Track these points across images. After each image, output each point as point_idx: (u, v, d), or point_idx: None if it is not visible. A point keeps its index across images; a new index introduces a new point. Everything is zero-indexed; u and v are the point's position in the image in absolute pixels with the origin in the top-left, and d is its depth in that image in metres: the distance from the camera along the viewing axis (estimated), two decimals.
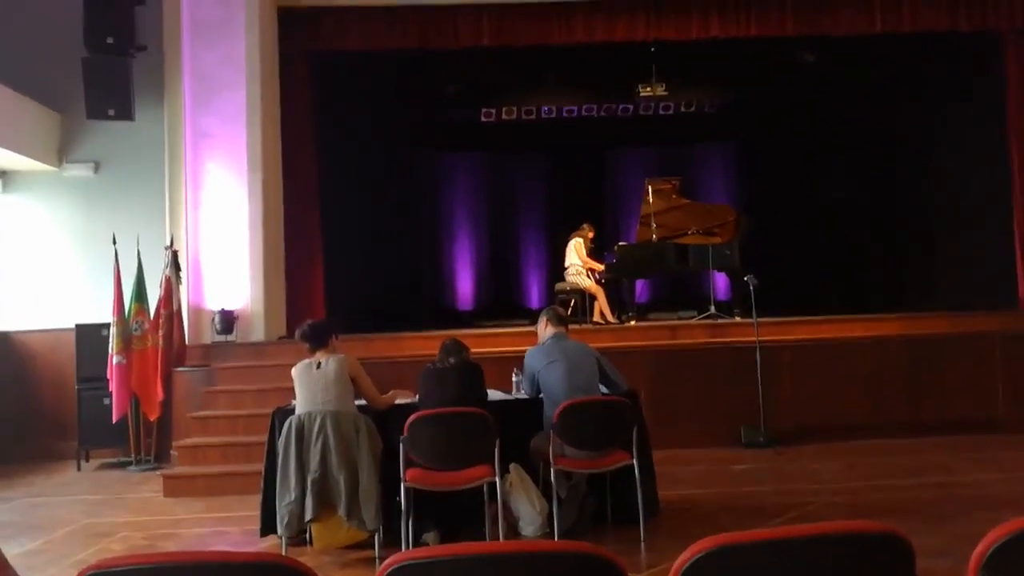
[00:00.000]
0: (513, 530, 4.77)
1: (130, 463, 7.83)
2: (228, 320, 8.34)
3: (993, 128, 9.80)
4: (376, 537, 4.62)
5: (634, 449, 4.73)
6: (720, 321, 8.76)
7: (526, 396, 5.14)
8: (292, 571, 1.67)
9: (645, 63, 11.04)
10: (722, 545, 1.61)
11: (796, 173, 13.37)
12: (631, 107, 12.78)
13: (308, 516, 4.56)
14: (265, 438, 5.11)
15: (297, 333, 5.01)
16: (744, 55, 10.93)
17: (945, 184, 10.76)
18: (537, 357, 5.05)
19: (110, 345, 7.74)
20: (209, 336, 8.42)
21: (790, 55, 11.27)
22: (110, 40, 8.22)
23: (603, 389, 5.07)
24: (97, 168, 9.02)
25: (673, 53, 10.65)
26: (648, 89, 11.37)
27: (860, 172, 12.67)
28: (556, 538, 4.51)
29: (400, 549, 4.21)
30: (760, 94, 12.85)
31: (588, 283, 9.81)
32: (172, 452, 7.46)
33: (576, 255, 9.96)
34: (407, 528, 4.54)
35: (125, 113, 8.34)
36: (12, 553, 4.90)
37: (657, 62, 11.03)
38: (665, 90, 11.44)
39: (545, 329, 5.19)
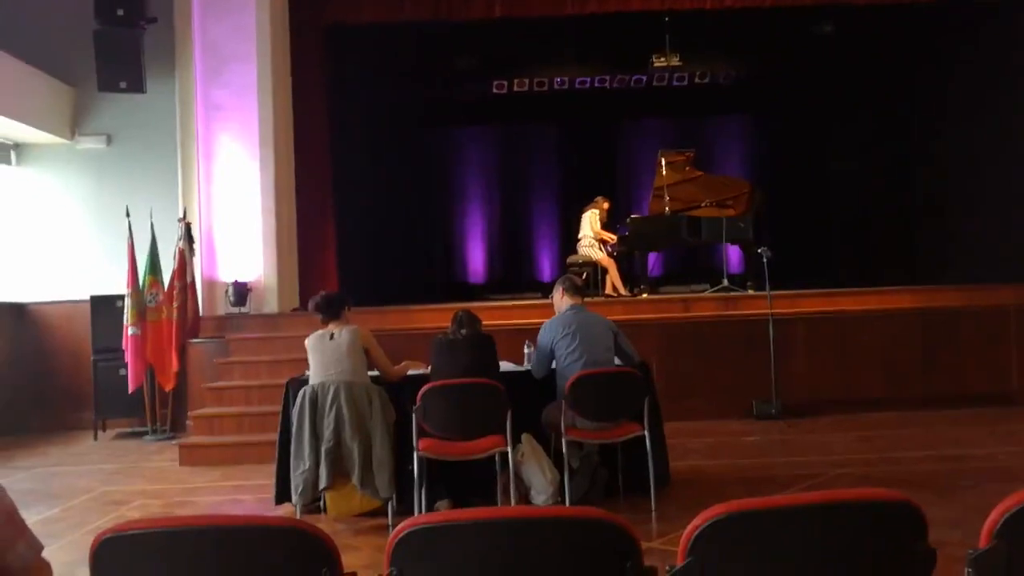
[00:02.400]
0: (525, 500, 4.80)
1: (146, 433, 7.91)
2: (241, 292, 8.39)
3: (1010, 97, 9.66)
4: (389, 505, 4.66)
5: (645, 420, 4.75)
6: (733, 294, 8.73)
7: (537, 376, 5.05)
8: (309, 535, 1.69)
9: (659, 33, 10.92)
10: (732, 512, 1.62)
11: (811, 145, 13.26)
12: (644, 78, 12.64)
13: (322, 484, 4.60)
14: (279, 408, 5.15)
15: (311, 304, 5.03)
16: (759, 25, 10.79)
17: (961, 156, 10.64)
18: (555, 328, 4.97)
19: (125, 316, 7.81)
20: (223, 308, 8.47)
21: (806, 25, 11.11)
22: (120, 12, 8.21)
23: (617, 361, 5.07)
24: (109, 141, 9.03)
25: (687, 23, 10.55)
26: (662, 60, 11.23)
27: (875, 144, 12.55)
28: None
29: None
30: (775, 65, 12.67)
31: (600, 255, 9.79)
32: (188, 422, 7.54)
33: (589, 227, 9.93)
34: (420, 497, 4.59)
35: (136, 85, 8.35)
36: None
37: (671, 32, 10.91)
38: (679, 61, 11.30)
39: (561, 299, 5.16)
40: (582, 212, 10.19)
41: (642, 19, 10.10)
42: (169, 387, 7.88)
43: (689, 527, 1.62)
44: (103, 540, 1.68)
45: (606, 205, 10.18)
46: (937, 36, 10.81)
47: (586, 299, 5.37)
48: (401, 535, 1.66)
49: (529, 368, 5.30)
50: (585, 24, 10.36)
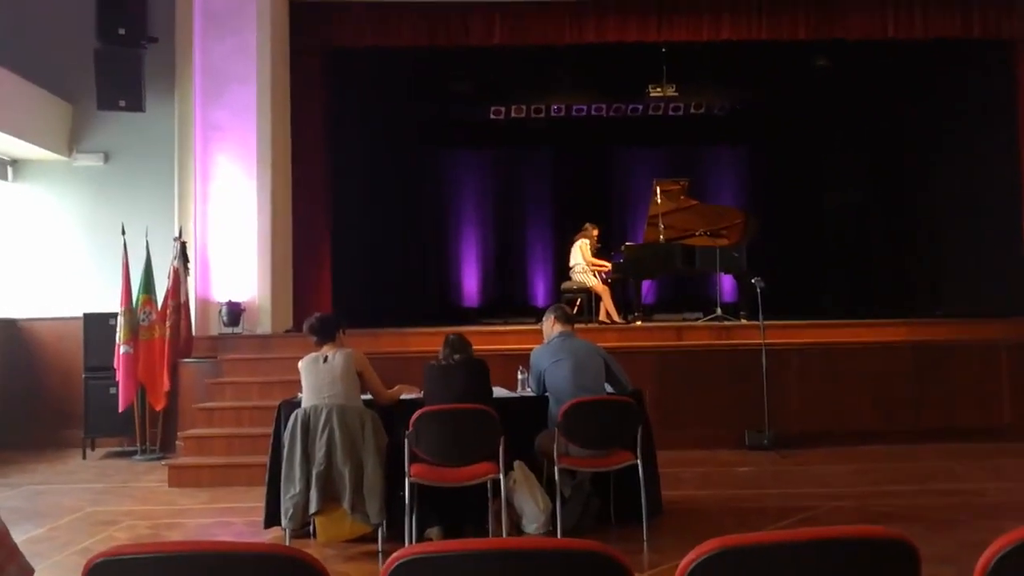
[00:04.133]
0: (516, 527, 4.77)
1: (135, 452, 7.85)
2: (235, 312, 8.38)
3: (1003, 135, 9.78)
4: (379, 531, 4.63)
5: (638, 449, 4.74)
6: (726, 323, 8.75)
7: (533, 394, 5.15)
8: (299, 563, 1.68)
9: (655, 64, 11.03)
10: (729, 547, 1.62)
11: (805, 176, 13.36)
12: (641, 107, 12.77)
13: (312, 509, 4.57)
14: (270, 430, 5.13)
15: (304, 326, 5.03)
16: (755, 58, 10.91)
17: (954, 190, 10.73)
18: (543, 355, 5.06)
19: (117, 335, 7.77)
20: (216, 328, 8.45)
21: (801, 59, 11.25)
22: (122, 31, 8.27)
23: (609, 388, 5.08)
24: (107, 159, 9.04)
25: (684, 54, 10.66)
26: (658, 90, 11.35)
27: (869, 177, 12.66)
28: (559, 536, 4.51)
29: (403, 543, 4.23)
30: (770, 97, 12.83)
31: (594, 282, 9.81)
32: (177, 442, 7.49)
33: (580, 255, 9.95)
34: (411, 523, 4.55)
35: (136, 104, 8.39)
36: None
37: (668, 63, 11.02)
38: (675, 91, 11.42)
39: (552, 327, 5.20)
40: (573, 240, 10.21)
41: (639, 50, 10.20)
42: (160, 406, 7.83)
43: (684, 561, 1.62)
44: (95, 564, 1.67)
45: (595, 232, 10.21)
46: (931, 71, 10.95)
47: (579, 326, 5.40)
48: (395, 565, 1.65)
49: (523, 395, 5.33)
50: (583, 53, 10.46)
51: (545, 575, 1.69)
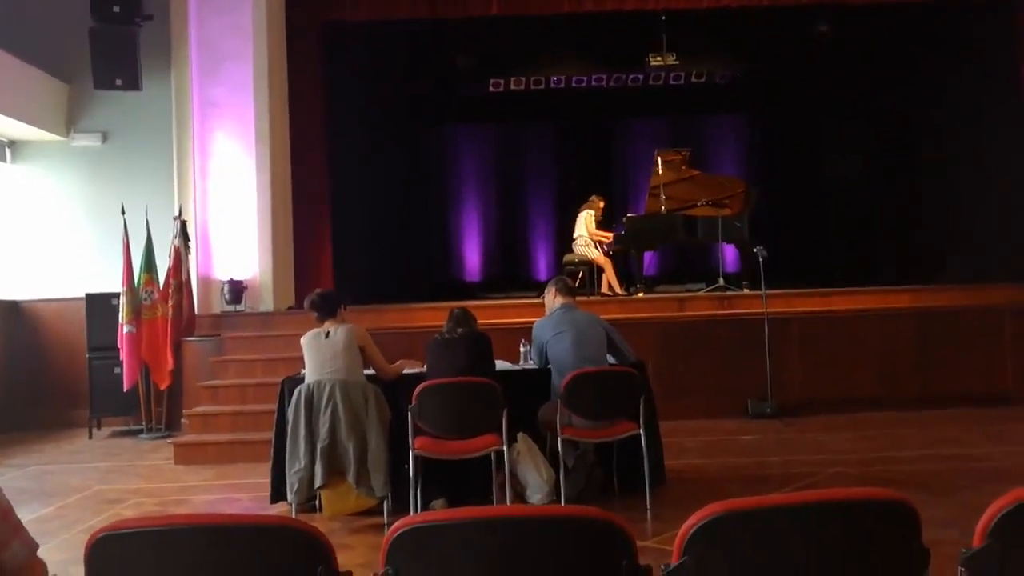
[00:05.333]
0: (520, 498, 4.80)
1: (141, 431, 7.90)
2: (237, 290, 8.38)
3: (1007, 99, 9.68)
4: (385, 504, 4.66)
5: (641, 419, 4.75)
6: (728, 293, 8.74)
7: (535, 366, 5.16)
8: (304, 534, 1.69)
9: (655, 32, 10.92)
10: (728, 511, 1.62)
11: (807, 144, 13.28)
12: (641, 77, 12.64)
13: (317, 483, 4.60)
14: (274, 406, 5.14)
15: (306, 303, 5.03)
16: (756, 25, 10.80)
17: (958, 155, 10.65)
18: (545, 327, 5.06)
19: (120, 314, 7.79)
20: (218, 306, 8.47)
21: (803, 25, 11.13)
22: (116, 9, 8.19)
23: (611, 359, 5.08)
24: (105, 138, 9.01)
25: (684, 22, 10.55)
26: (658, 59, 11.23)
27: (872, 143, 12.57)
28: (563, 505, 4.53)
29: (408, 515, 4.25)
30: (772, 64, 12.69)
31: (596, 255, 9.79)
32: (183, 420, 7.53)
33: (584, 227, 9.92)
34: (415, 495, 4.58)
35: (132, 83, 8.33)
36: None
37: (668, 31, 10.91)
38: (676, 60, 11.31)
39: (553, 299, 5.20)
40: (578, 212, 10.18)
41: (639, 18, 10.10)
42: (164, 385, 7.86)
43: (684, 526, 1.62)
44: (98, 539, 1.68)
45: (601, 204, 10.17)
46: (935, 35, 10.82)
47: (582, 298, 5.39)
48: (397, 534, 1.66)
49: (525, 367, 5.34)
50: (582, 22, 10.36)
51: (548, 543, 1.70)
